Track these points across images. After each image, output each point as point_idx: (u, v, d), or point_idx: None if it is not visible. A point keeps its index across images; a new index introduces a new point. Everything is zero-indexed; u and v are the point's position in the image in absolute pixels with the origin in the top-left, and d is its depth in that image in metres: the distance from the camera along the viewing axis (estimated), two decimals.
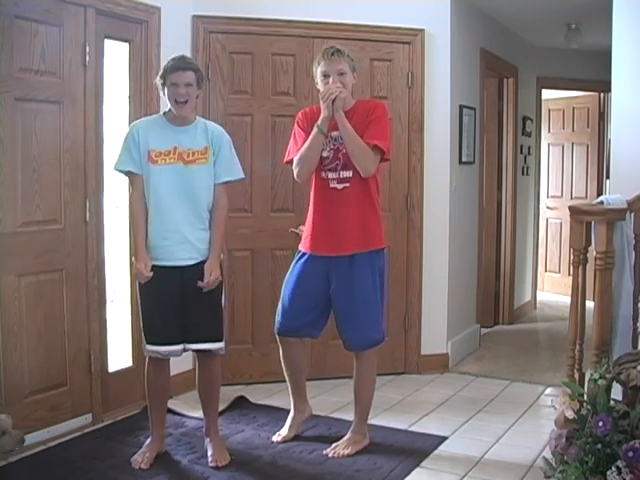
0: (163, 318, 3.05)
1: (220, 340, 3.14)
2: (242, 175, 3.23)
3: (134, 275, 3.08)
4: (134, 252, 3.08)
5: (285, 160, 3.37)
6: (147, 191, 3.05)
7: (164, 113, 3.15)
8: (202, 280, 3.04)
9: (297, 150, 3.23)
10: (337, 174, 3.19)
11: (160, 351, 3.08)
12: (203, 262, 3.08)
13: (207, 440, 3.24)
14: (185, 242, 3.05)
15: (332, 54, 3.13)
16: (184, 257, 3.05)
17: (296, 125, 3.31)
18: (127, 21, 3.71)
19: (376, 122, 3.17)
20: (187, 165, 3.05)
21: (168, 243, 3.04)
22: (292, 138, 3.32)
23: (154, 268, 3.04)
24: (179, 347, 3.10)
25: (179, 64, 3.03)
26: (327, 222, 3.20)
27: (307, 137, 3.20)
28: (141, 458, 3.09)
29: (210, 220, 3.12)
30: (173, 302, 3.05)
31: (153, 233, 3.06)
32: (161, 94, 3.13)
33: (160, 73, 3.06)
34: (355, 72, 3.24)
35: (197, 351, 3.15)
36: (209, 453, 3.17)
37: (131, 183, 3.11)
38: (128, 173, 3.08)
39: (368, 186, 3.20)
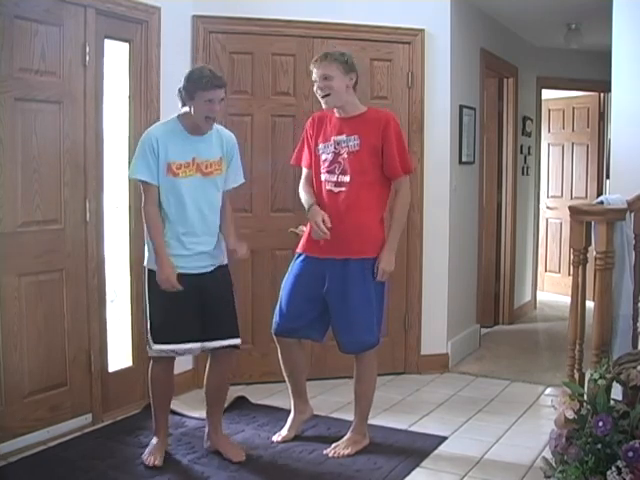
0: (181, 316, 3.03)
1: (238, 336, 3.18)
2: (244, 179, 3.31)
3: (160, 282, 2.98)
4: (158, 258, 2.99)
5: (291, 162, 3.47)
6: (166, 202, 3.01)
7: (178, 117, 3.07)
8: (219, 284, 3.14)
9: (301, 156, 3.37)
10: (335, 177, 3.20)
11: (177, 350, 3.07)
12: (221, 267, 3.16)
13: (214, 441, 3.24)
14: (204, 252, 3.08)
15: (318, 59, 3.19)
16: (203, 265, 3.10)
17: (305, 131, 3.38)
18: (127, 21, 3.71)
19: (399, 147, 3.20)
20: (205, 177, 3.06)
21: (188, 253, 3.05)
22: (300, 141, 3.41)
23: None
24: (197, 345, 3.09)
25: (216, 82, 2.95)
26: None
27: (314, 144, 3.29)
28: (154, 457, 3.11)
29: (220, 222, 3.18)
30: (191, 303, 3.05)
31: (172, 243, 3.03)
32: (179, 102, 3.03)
33: (189, 85, 2.95)
34: (352, 73, 3.22)
35: (219, 349, 3.14)
36: (226, 455, 3.17)
37: (144, 192, 3.02)
38: (143, 182, 3.01)
39: (368, 193, 3.19)
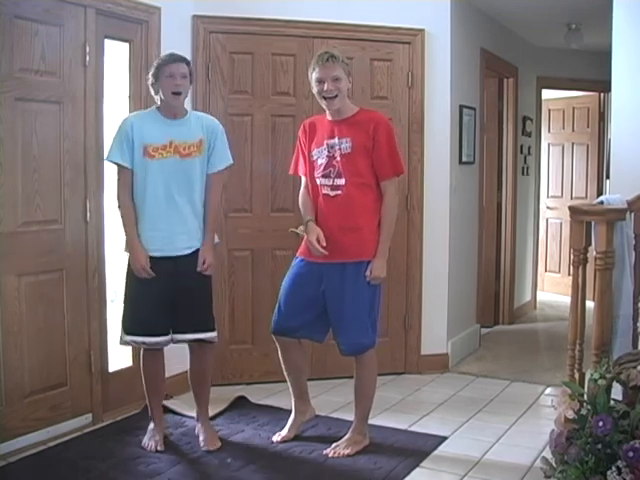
0: (151, 309, 3.12)
1: (212, 329, 3.24)
2: (232, 160, 3.32)
3: (134, 271, 3.13)
4: (130, 247, 3.13)
5: (290, 172, 3.46)
6: (143, 184, 3.12)
7: (156, 106, 3.21)
8: (195, 270, 3.15)
9: (298, 165, 3.35)
10: (331, 181, 3.19)
11: (145, 342, 3.15)
12: (197, 250, 3.19)
13: (198, 425, 3.36)
14: (183, 232, 3.14)
15: (327, 60, 3.13)
16: (180, 247, 3.15)
17: (298, 139, 3.38)
18: (127, 21, 3.71)
19: (389, 147, 3.18)
20: (184, 158, 3.13)
21: (165, 234, 3.12)
22: (295, 151, 3.41)
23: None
24: (167, 338, 3.18)
25: (174, 57, 3.13)
26: (320, 228, 3.19)
27: (308, 150, 3.27)
28: (154, 442, 3.22)
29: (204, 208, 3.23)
30: (163, 293, 3.13)
31: (149, 225, 3.13)
32: (152, 92, 3.19)
33: (153, 69, 3.13)
34: (350, 76, 3.23)
35: (191, 341, 3.23)
36: (200, 438, 3.29)
37: (118, 176, 3.16)
38: (118, 165, 3.15)
39: (365, 196, 3.18)
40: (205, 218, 3.22)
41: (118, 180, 3.16)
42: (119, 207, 3.16)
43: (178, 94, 3.09)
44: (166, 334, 3.17)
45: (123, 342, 3.22)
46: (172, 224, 3.12)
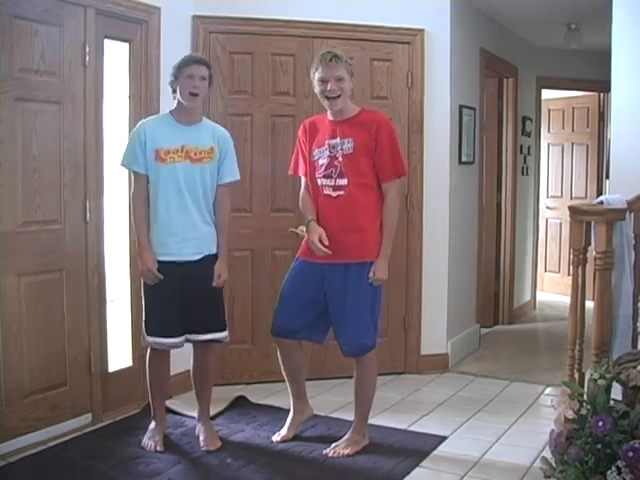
0: (165, 311, 3.17)
1: (224, 329, 3.30)
2: (239, 177, 3.38)
3: (141, 275, 3.20)
4: (139, 252, 3.18)
5: (290, 172, 3.46)
6: (155, 189, 3.16)
7: (170, 111, 3.25)
8: (207, 274, 3.20)
9: (298, 166, 3.34)
10: (332, 181, 3.18)
11: (163, 343, 3.19)
12: (208, 256, 3.22)
13: (198, 425, 3.38)
14: (193, 238, 3.17)
15: (330, 59, 3.12)
16: (191, 252, 3.18)
17: (298, 139, 3.37)
18: (127, 21, 3.71)
19: (391, 148, 3.18)
20: (194, 163, 3.16)
21: (176, 239, 3.15)
22: (295, 151, 3.41)
23: (159, 263, 3.15)
24: (181, 339, 3.23)
25: (196, 58, 3.22)
26: (321, 228, 3.18)
27: (308, 150, 3.26)
28: (154, 442, 3.24)
29: (215, 220, 3.26)
30: (176, 296, 3.17)
31: (160, 230, 3.17)
32: (170, 90, 3.22)
33: (174, 69, 3.16)
34: (353, 77, 3.22)
35: (203, 342, 3.26)
36: (201, 438, 3.31)
37: (134, 181, 3.22)
38: (132, 171, 3.21)
39: (367, 196, 3.17)
40: (219, 233, 3.27)
41: (133, 184, 3.21)
42: (132, 210, 3.22)
43: (195, 95, 3.13)
44: (180, 335, 3.21)
45: (145, 343, 3.26)
46: (183, 229, 3.15)
